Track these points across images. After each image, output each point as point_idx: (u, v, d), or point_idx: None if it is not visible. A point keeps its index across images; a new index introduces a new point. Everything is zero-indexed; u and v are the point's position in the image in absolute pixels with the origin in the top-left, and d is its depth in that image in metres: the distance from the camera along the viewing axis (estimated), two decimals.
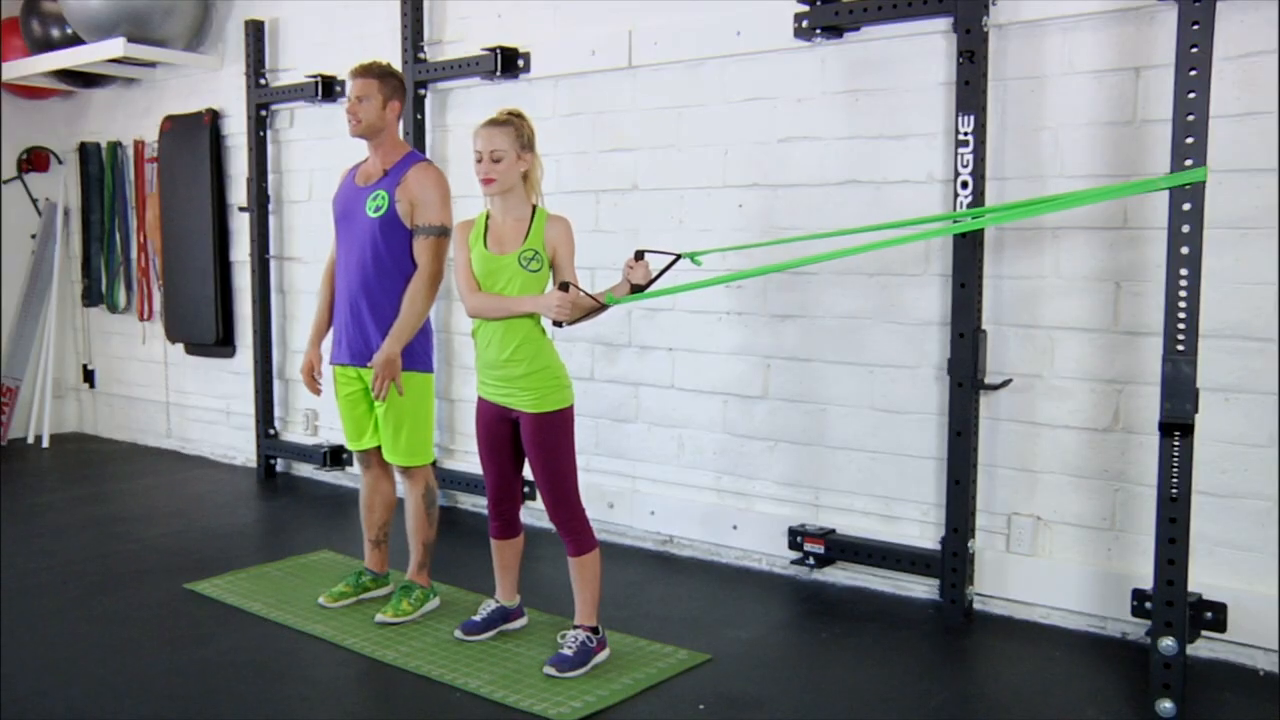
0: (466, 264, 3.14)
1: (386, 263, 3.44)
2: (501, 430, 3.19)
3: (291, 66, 5.55)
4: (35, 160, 6.92)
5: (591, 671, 3.10)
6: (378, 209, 3.44)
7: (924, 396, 3.72)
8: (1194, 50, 2.69)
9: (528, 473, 3.26)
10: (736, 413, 4.16)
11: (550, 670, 3.09)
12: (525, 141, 3.10)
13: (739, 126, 4.07)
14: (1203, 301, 2.76)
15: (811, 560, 3.83)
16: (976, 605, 3.60)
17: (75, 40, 5.92)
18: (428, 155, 4.96)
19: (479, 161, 3.09)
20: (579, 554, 3.17)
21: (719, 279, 3.50)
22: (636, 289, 3.06)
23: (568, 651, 3.13)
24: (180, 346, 6.36)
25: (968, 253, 3.44)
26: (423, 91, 4.92)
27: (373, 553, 3.77)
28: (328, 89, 5.23)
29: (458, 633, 3.37)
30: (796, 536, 3.87)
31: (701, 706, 2.91)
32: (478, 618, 3.40)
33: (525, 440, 3.15)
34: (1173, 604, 2.79)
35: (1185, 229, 2.71)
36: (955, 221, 3.37)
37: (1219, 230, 3.04)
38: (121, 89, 6.55)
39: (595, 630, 3.18)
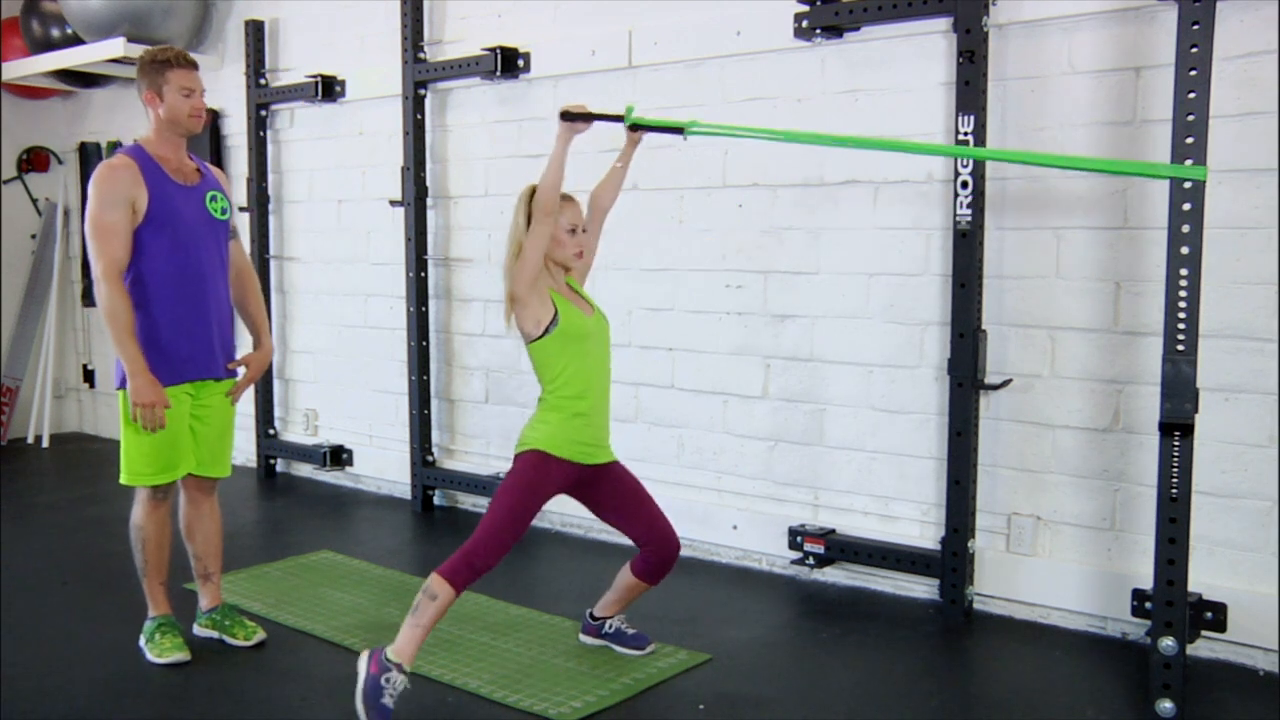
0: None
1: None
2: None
3: (291, 66, 5.55)
4: (35, 160, 6.92)
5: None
6: (224, 211, 3.19)
7: (924, 396, 3.72)
8: (1194, 50, 2.69)
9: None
10: (736, 413, 4.16)
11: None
12: None
13: None
14: (1203, 301, 2.76)
15: (811, 560, 3.83)
16: (976, 605, 3.60)
17: (75, 40, 5.93)
18: (428, 156, 4.98)
19: (573, 233, 2.92)
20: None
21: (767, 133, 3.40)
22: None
23: None
24: None
25: (968, 253, 3.44)
26: (423, 91, 4.92)
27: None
28: (328, 89, 5.23)
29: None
30: (796, 536, 3.87)
31: (701, 706, 2.91)
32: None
33: (627, 481, 3.07)
34: (1173, 604, 2.79)
35: (1185, 229, 2.71)
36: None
37: (1219, 230, 3.04)
38: (121, 89, 6.54)
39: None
